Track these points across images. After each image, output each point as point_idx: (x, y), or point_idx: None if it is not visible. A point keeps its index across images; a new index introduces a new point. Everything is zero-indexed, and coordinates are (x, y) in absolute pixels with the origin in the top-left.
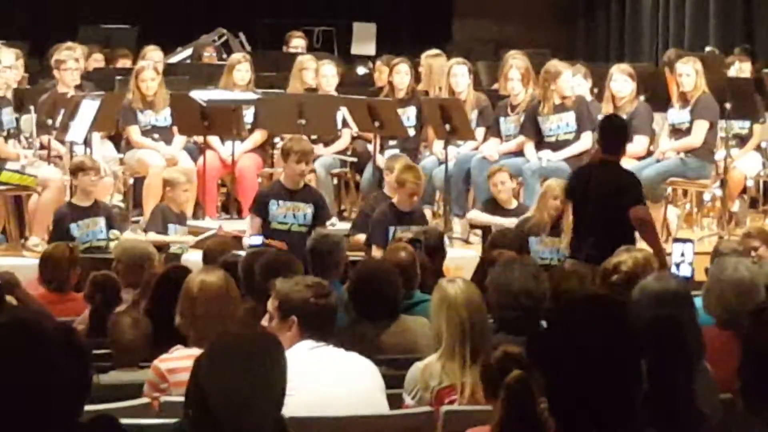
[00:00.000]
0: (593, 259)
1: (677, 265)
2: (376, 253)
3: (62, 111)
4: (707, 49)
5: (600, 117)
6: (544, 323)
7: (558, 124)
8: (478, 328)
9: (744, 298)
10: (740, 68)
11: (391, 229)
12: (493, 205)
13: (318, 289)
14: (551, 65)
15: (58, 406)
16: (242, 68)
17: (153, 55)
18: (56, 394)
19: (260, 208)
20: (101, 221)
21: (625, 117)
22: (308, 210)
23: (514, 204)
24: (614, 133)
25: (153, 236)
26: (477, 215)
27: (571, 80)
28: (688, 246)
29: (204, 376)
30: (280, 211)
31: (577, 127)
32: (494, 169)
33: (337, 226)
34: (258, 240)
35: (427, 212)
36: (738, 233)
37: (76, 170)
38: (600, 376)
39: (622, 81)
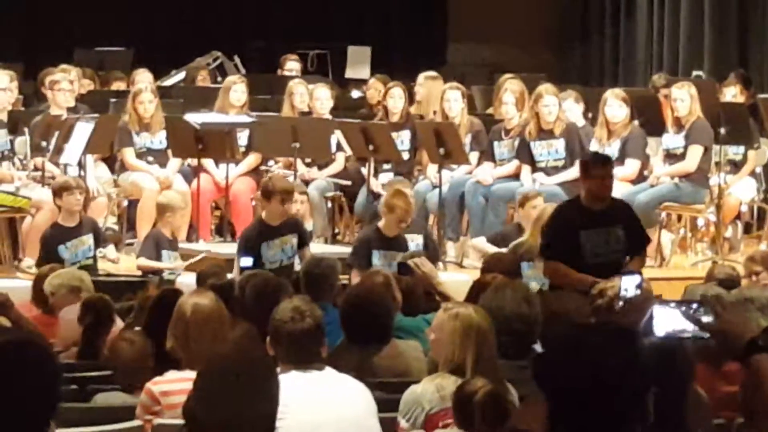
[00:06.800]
0: None
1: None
2: (356, 277)
3: (56, 133)
4: (694, 73)
5: (593, 141)
6: (537, 347)
7: (548, 150)
8: (490, 357)
9: None
10: (735, 94)
11: (375, 253)
12: (502, 239)
13: (292, 313)
14: (538, 88)
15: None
16: (238, 89)
17: (142, 77)
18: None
19: (251, 252)
20: (89, 239)
21: (618, 141)
22: (294, 240)
23: None
24: None
25: (143, 261)
26: (483, 244)
27: (555, 105)
28: (634, 278)
29: (196, 396)
30: (271, 252)
31: (566, 154)
32: (533, 194)
33: (330, 249)
34: (249, 261)
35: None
36: (732, 258)
37: (60, 190)
38: (609, 405)
39: (616, 106)
